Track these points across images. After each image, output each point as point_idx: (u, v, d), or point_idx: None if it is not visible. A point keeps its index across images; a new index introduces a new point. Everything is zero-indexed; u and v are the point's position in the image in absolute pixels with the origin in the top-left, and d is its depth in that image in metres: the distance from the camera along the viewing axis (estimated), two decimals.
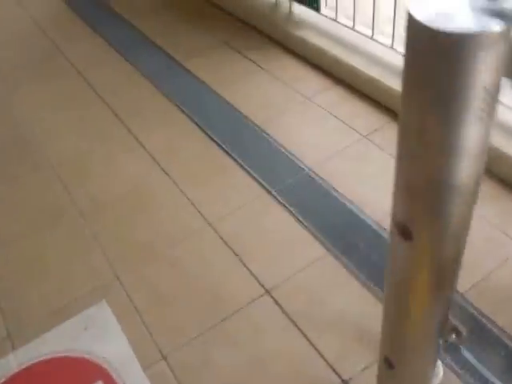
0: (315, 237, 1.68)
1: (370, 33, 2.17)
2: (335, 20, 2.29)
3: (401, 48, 2.11)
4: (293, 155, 1.97)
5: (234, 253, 1.67)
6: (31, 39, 3.04)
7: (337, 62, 2.25)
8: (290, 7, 2.55)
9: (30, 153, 2.17)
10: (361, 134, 2.02)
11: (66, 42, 2.95)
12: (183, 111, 2.26)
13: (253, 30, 2.70)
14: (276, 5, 2.63)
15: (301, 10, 2.53)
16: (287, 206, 1.79)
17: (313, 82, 2.30)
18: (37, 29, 3.14)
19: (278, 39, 2.57)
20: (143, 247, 1.74)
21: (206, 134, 2.12)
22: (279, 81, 2.34)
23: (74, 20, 3.16)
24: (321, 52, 2.32)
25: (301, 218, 1.75)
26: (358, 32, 2.21)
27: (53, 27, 3.12)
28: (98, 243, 1.76)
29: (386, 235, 1.66)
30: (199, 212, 1.81)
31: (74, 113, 2.37)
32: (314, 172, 1.90)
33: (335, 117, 2.11)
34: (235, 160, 1.99)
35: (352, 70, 2.19)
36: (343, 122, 2.08)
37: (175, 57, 2.63)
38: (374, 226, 1.70)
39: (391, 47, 2.09)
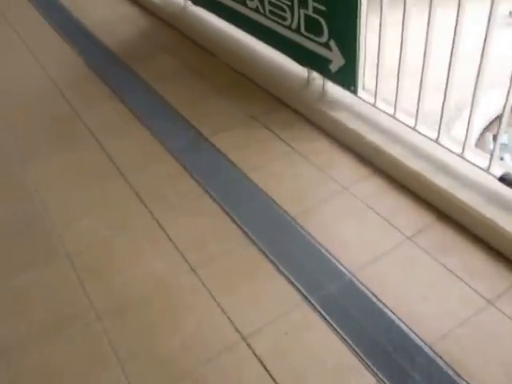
0: (363, 361, 1.50)
1: (412, 122, 2.06)
2: (374, 105, 2.20)
3: (446, 141, 2.00)
4: (332, 256, 1.81)
5: (271, 376, 1.49)
6: (48, 101, 2.93)
7: (375, 149, 2.12)
8: (324, 86, 2.45)
9: (43, 236, 2.01)
10: (404, 234, 1.87)
11: (84, 106, 2.83)
12: (211, 195, 2.11)
13: (283, 105, 2.60)
14: (308, 81, 2.54)
15: (334, 90, 2.43)
16: (329, 319, 1.61)
17: (349, 168, 2.18)
18: (54, 89, 3.03)
19: (311, 118, 2.46)
20: (167, 362, 1.55)
21: (237, 224, 1.95)
22: (312, 165, 2.22)
23: (93, 81, 3.05)
24: (358, 137, 2.20)
25: (345, 336, 1.57)
26: (398, 121, 2.11)
27: (71, 88, 3.01)
28: (116, 354, 1.57)
29: (441, 363, 1.50)
30: (231, 321, 1.63)
31: (92, 190, 2.21)
32: (355, 277, 1.73)
33: (375, 211, 1.97)
34: (269, 258, 1.82)
35: (391, 161, 2.07)
36: (384, 219, 1.93)
37: (200, 130, 2.51)
38: (427, 350, 1.52)
39: (436, 141, 1.98)
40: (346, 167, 2.19)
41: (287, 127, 2.46)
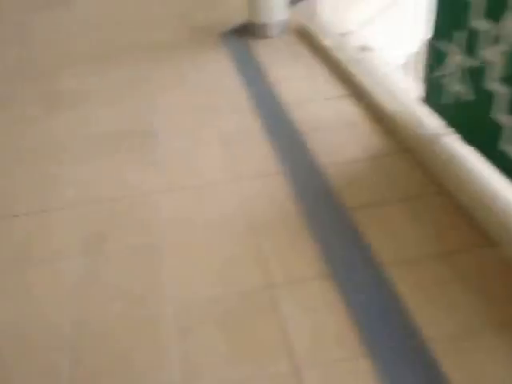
0: None
1: None
2: None
3: None
4: None
5: None
6: (224, 242, 2.10)
7: None
8: None
9: None
10: None
11: (283, 276, 1.91)
12: None
13: None
14: None
15: None
16: None
17: None
18: (237, 224, 2.16)
19: None
20: None
21: None
22: None
23: (297, 227, 2.13)
24: None
25: None
26: None
27: (265, 230, 2.12)
28: None
29: None
30: None
31: None
32: None
33: None
34: None
35: None
36: None
37: None
38: None
39: None
40: None
41: None
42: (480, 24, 1.96)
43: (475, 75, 2.05)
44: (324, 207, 2.25)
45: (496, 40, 1.89)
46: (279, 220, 2.22)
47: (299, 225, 2.18)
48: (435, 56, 2.33)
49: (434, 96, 2.41)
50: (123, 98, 3.32)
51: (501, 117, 1.94)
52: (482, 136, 2.09)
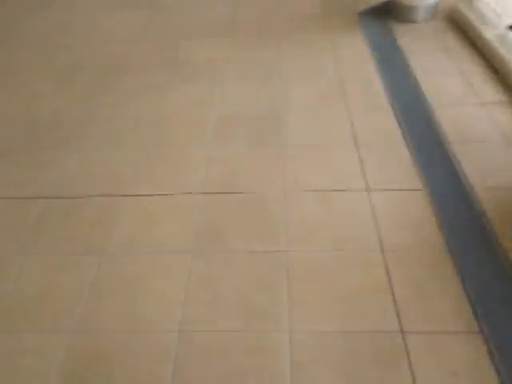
0: None
1: None
2: None
3: None
4: None
5: None
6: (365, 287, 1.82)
7: None
8: None
9: None
10: None
11: (416, 327, 1.64)
12: None
13: None
14: None
15: None
16: None
17: None
18: (373, 251, 1.93)
19: None
20: None
21: None
22: None
23: (444, 276, 1.79)
24: None
25: None
26: None
27: (407, 275, 1.87)
28: None
29: None
30: None
31: None
32: None
33: None
34: None
35: None
36: None
37: None
38: None
39: None
40: None
41: None
42: None
43: None
44: (474, 242, 1.86)
45: None
46: (417, 249, 1.87)
47: (442, 259, 1.82)
48: None
49: None
50: (246, 78, 3.09)
51: None
52: None
